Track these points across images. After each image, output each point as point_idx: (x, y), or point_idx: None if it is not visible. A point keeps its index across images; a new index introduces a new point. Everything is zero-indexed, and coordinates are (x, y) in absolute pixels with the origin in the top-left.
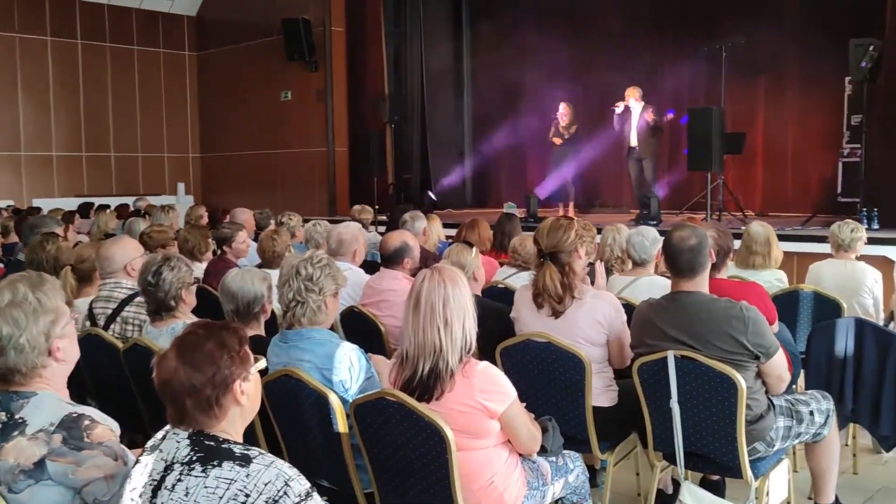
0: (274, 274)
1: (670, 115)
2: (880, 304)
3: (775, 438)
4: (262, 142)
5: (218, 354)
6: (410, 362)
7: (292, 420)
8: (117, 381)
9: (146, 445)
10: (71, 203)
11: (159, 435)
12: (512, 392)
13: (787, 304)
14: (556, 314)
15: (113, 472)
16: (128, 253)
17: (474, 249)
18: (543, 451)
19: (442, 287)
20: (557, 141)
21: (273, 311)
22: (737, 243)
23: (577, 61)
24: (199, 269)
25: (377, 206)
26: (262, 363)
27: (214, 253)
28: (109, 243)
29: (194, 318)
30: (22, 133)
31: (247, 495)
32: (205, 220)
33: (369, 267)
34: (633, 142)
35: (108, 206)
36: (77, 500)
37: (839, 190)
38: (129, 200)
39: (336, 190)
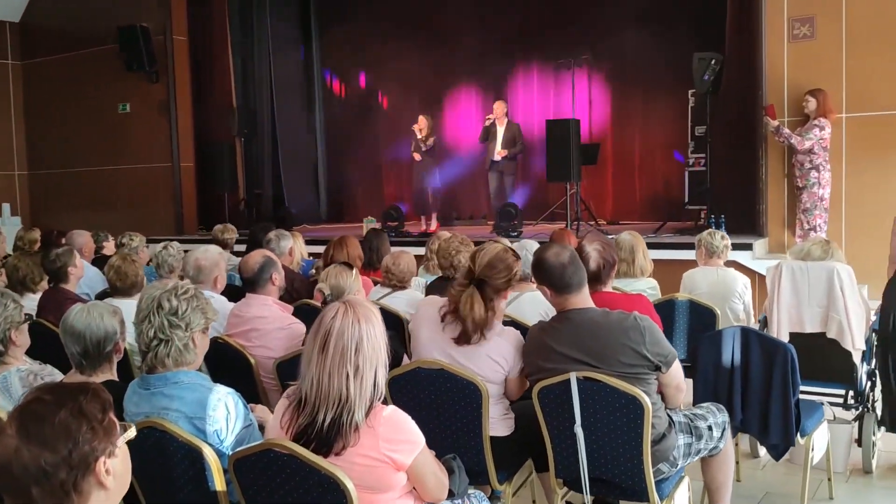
0: (125, 304)
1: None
2: (751, 308)
3: (678, 457)
4: (99, 157)
5: (75, 426)
6: (309, 408)
7: (158, 480)
8: None
9: None
10: None
11: None
12: (420, 439)
13: (664, 313)
14: (461, 342)
15: None
16: None
17: (354, 271)
18: (450, 494)
19: (356, 327)
20: (417, 156)
21: (126, 350)
22: None
23: (433, 74)
24: (33, 301)
25: (228, 224)
26: (132, 432)
27: (49, 283)
28: None
29: (29, 362)
30: None
31: None
32: (38, 246)
33: (229, 291)
34: (497, 156)
35: None
36: None
37: (686, 198)
38: None
39: (183, 207)
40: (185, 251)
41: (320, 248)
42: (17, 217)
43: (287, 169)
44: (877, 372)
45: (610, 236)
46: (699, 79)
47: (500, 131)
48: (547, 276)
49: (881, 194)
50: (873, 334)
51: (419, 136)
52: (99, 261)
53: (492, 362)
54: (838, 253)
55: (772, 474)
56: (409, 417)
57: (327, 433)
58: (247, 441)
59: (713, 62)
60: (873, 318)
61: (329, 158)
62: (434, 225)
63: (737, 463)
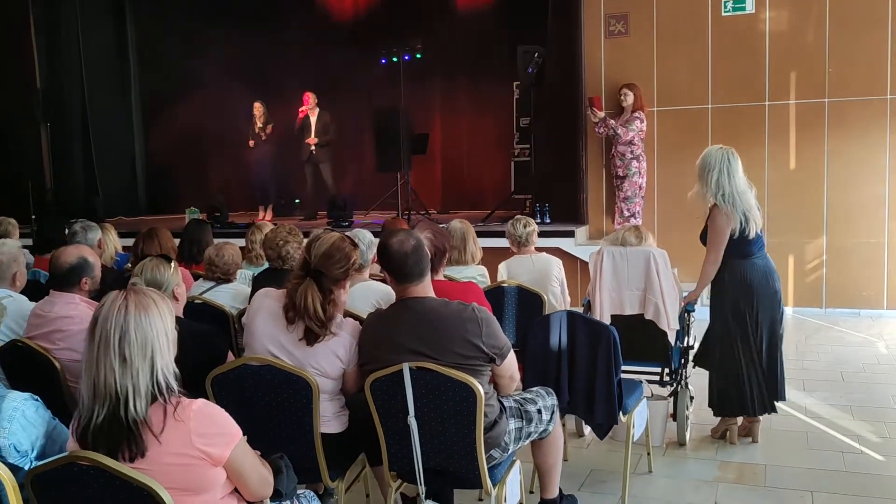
0: None
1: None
2: (566, 290)
3: (509, 442)
4: None
5: None
6: (88, 405)
7: None
8: None
9: None
10: None
11: None
12: (236, 431)
13: (494, 299)
14: (310, 339)
15: None
16: None
17: (173, 263)
18: (277, 495)
19: (122, 313)
20: (251, 143)
21: None
22: None
23: (259, 61)
24: None
25: (34, 216)
26: None
27: None
28: None
29: None
30: None
31: None
32: None
33: (29, 292)
34: (310, 144)
35: None
36: None
37: (512, 188)
38: None
39: None
40: None
41: None
42: None
43: (100, 156)
44: (689, 351)
45: (441, 225)
46: (523, 71)
47: (313, 121)
48: (389, 263)
49: (688, 184)
50: (686, 315)
51: (258, 125)
52: None
53: (332, 356)
54: (650, 238)
55: (596, 452)
56: (223, 410)
57: (108, 432)
58: (50, 454)
59: (536, 55)
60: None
61: (148, 146)
62: (269, 215)
63: (563, 442)
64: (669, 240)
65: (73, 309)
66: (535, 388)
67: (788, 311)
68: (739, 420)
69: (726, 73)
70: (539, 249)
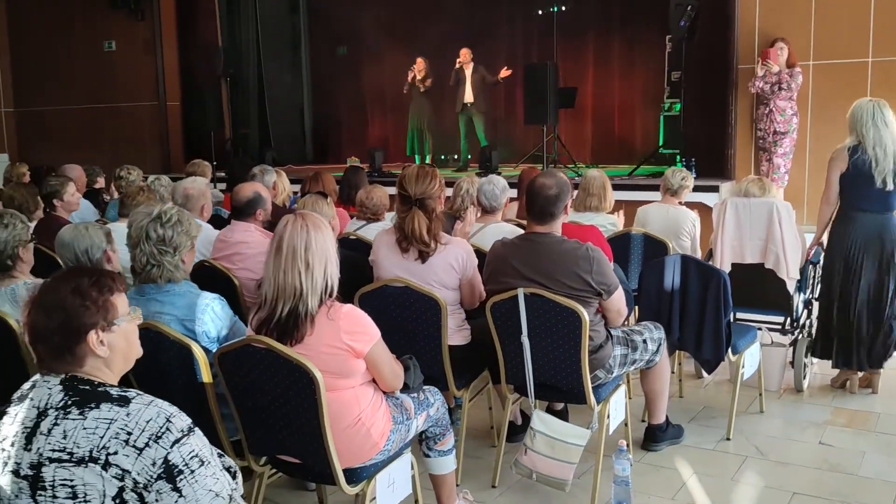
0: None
1: (506, 72)
2: (697, 243)
3: (614, 365)
4: (85, 96)
5: (70, 301)
6: (269, 304)
7: (155, 375)
8: None
9: (13, 397)
10: None
11: (26, 385)
12: (376, 332)
13: (619, 246)
14: (424, 258)
15: None
16: None
17: (329, 199)
18: (406, 387)
19: (304, 231)
20: (417, 91)
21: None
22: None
23: (415, 18)
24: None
25: (215, 163)
26: (139, 315)
27: (44, 211)
28: None
29: (33, 278)
30: None
31: (129, 433)
32: (27, 179)
33: (214, 223)
34: (468, 98)
35: None
36: None
37: (661, 142)
38: None
39: (170, 146)
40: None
41: None
42: (5, 154)
43: (273, 109)
44: (813, 302)
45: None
46: (675, 24)
47: (468, 75)
48: (528, 198)
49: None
50: (809, 266)
51: (418, 78)
52: (90, 195)
53: (448, 267)
54: (773, 189)
55: (711, 392)
56: (366, 315)
57: (286, 322)
58: (232, 339)
59: (689, 8)
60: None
61: (314, 99)
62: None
63: (680, 381)
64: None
65: (250, 236)
66: (643, 322)
67: None
68: (861, 371)
69: (889, 23)
70: (685, 203)
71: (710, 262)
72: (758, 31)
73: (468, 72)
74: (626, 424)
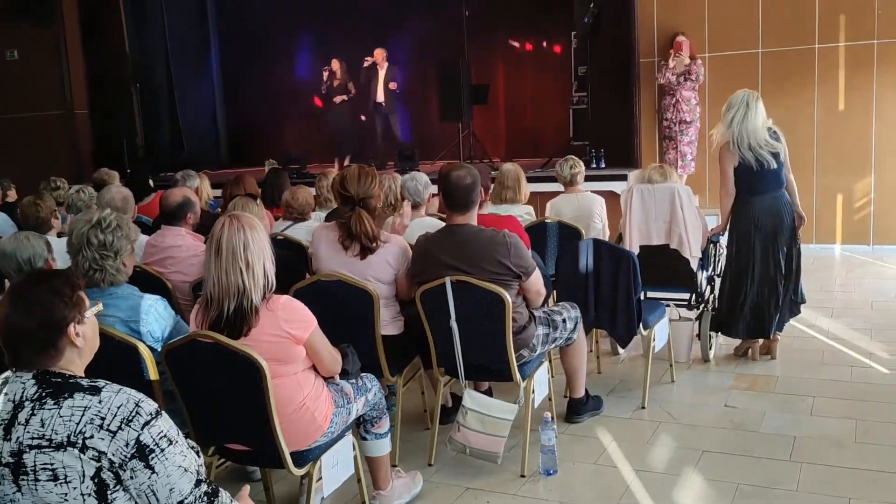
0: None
1: (393, 85)
2: (606, 227)
3: (537, 344)
4: None
5: (49, 300)
6: (216, 304)
7: (102, 375)
8: None
9: None
10: None
11: None
12: (312, 320)
13: (537, 234)
14: (364, 255)
15: None
16: None
17: (258, 200)
18: (345, 373)
19: (241, 232)
20: (337, 99)
21: None
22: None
23: (327, 18)
24: None
25: (129, 170)
26: (99, 307)
27: None
28: None
29: None
30: None
31: (102, 418)
32: None
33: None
34: (380, 97)
35: None
36: None
37: (571, 135)
38: None
39: (81, 155)
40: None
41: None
42: None
43: (185, 114)
44: (715, 278)
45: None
46: (580, 21)
47: (381, 74)
48: (445, 192)
49: None
50: (710, 245)
51: (337, 80)
52: (5, 208)
53: (384, 263)
54: (674, 175)
55: (627, 367)
56: (303, 304)
57: (234, 319)
58: (175, 337)
59: (591, 5)
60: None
61: (227, 103)
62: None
63: (598, 358)
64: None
65: (181, 239)
66: (562, 303)
67: (836, 248)
68: (761, 340)
69: (776, 16)
70: (595, 192)
71: (620, 244)
72: (656, 26)
73: (382, 72)
74: (549, 399)
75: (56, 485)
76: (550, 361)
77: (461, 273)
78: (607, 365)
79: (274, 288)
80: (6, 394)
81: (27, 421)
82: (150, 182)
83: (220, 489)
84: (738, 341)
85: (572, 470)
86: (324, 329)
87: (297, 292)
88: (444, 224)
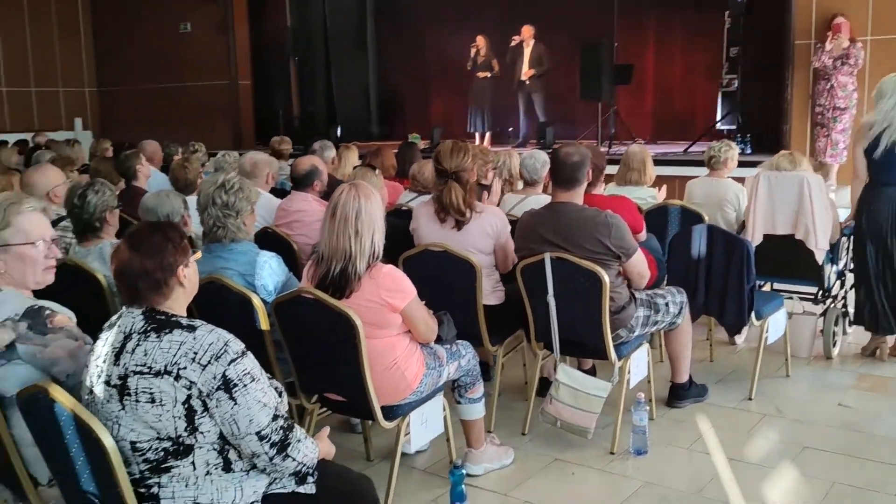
0: (188, 200)
1: (529, 73)
2: (741, 216)
3: (636, 326)
4: (162, 75)
5: (163, 244)
6: (325, 262)
7: (218, 323)
8: (49, 297)
9: (104, 326)
10: None
11: (114, 317)
12: (412, 291)
13: (657, 218)
14: (460, 226)
15: (75, 350)
16: (49, 180)
17: (377, 171)
18: (439, 339)
19: (357, 200)
20: (480, 74)
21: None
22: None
23: None
24: None
25: (284, 137)
26: (199, 254)
27: (126, 182)
28: (31, 171)
29: (117, 241)
30: None
31: (195, 353)
32: (110, 153)
33: (279, 195)
34: (525, 75)
35: (5, 142)
36: (46, 377)
37: (718, 118)
38: (25, 136)
39: (241, 124)
40: None
41: None
42: (89, 131)
43: (339, 88)
44: (846, 273)
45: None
46: (734, 0)
47: (527, 52)
48: (552, 168)
49: None
50: (843, 238)
51: (481, 56)
52: (166, 169)
53: (483, 234)
54: (805, 163)
55: (741, 358)
56: (405, 275)
57: (339, 280)
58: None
59: None
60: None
61: (380, 78)
62: (487, 143)
63: (711, 346)
64: None
65: (308, 205)
66: (667, 287)
67: None
68: (891, 340)
69: None
70: (739, 179)
71: (744, 233)
72: (814, 6)
73: (527, 49)
74: (648, 381)
75: (153, 406)
76: (660, 348)
77: (561, 250)
78: (722, 354)
79: (380, 258)
80: (119, 325)
81: (133, 350)
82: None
83: (296, 425)
84: (866, 340)
85: (663, 452)
86: (426, 296)
87: (405, 259)
88: None
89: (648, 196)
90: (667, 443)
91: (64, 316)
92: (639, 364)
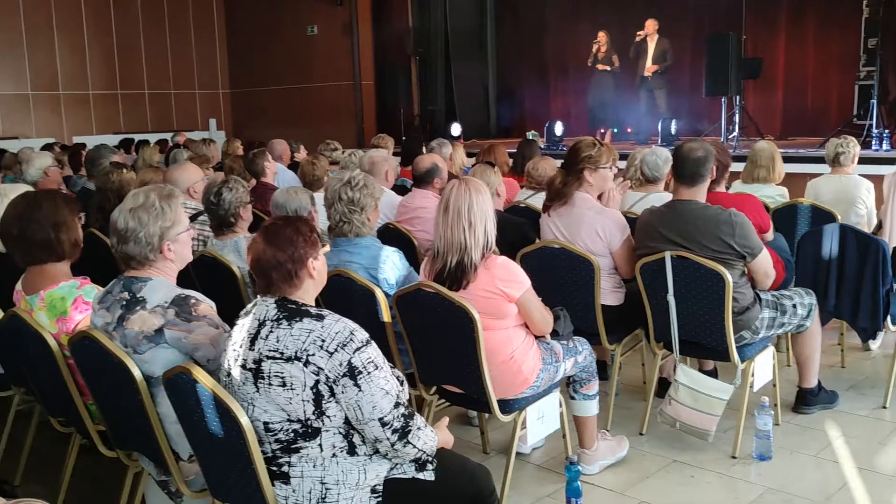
0: (315, 196)
1: (652, 68)
2: (873, 213)
3: (760, 327)
4: (290, 77)
5: (295, 238)
6: (441, 257)
7: (343, 312)
8: (189, 286)
9: (241, 312)
10: (109, 139)
11: (249, 305)
12: (526, 281)
13: (786, 217)
14: (551, 211)
15: (216, 337)
16: (190, 177)
17: (496, 168)
18: (556, 335)
19: (467, 194)
20: (601, 67)
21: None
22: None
23: None
24: None
25: (403, 138)
26: (327, 247)
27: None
28: (173, 169)
29: (250, 235)
30: (60, 73)
31: (323, 341)
32: (241, 152)
33: (399, 191)
34: (648, 71)
35: (147, 142)
36: (188, 360)
37: (854, 112)
38: (165, 136)
39: (364, 122)
40: None
41: None
42: (222, 131)
43: (459, 86)
44: None
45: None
46: None
47: (651, 47)
48: (675, 163)
49: None
50: None
51: (602, 51)
52: (293, 167)
53: (593, 233)
54: None
55: (876, 364)
56: (518, 266)
57: (455, 272)
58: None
59: None
60: None
61: (499, 75)
62: (608, 138)
63: (842, 351)
64: None
65: (428, 202)
66: (795, 288)
67: None
68: None
69: None
70: (875, 177)
71: (880, 234)
72: None
73: (651, 44)
74: (773, 385)
75: (284, 390)
76: (788, 351)
77: (682, 249)
78: (854, 360)
79: (493, 248)
80: (254, 313)
81: (267, 336)
82: (423, 149)
83: (417, 414)
84: None
85: (788, 459)
86: (543, 292)
87: (523, 256)
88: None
89: (777, 194)
90: (792, 449)
91: (207, 305)
92: (763, 367)
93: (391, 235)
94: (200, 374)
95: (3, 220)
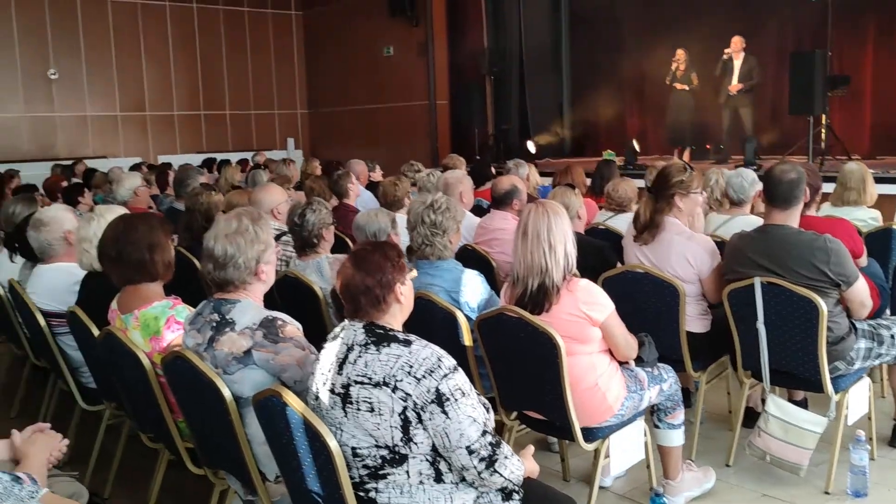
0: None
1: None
2: None
3: (855, 358)
4: (366, 97)
5: (383, 263)
6: (521, 281)
7: (424, 335)
8: (272, 306)
9: (328, 336)
10: (192, 159)
11: (337, 329)
12: (610, 304)
13: (880, 241)
14: (642, 241)
15: (302, 359)
16: (274, 198)
17: (577, 190)
18: (640, 361)
19: (546, 217)
20: (678, 86)
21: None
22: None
23: (680, 7)
24: None
25: (478, 157)
26: (414, 272)
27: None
28: (258, 190)
29: (332, 256)
30: (146, 95)
31: (410, 366)
32: (319, 172)
33: (475, 212)
34: (734, 89)
35: (229, 161)
36: (276, 381)
37: None
38: (245, 155)
39: (438, 142)
40: None
41: None
42: (300, 150)
43: (533, 105)
44: None
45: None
46: None
47: (737, 65)
48: (766, 186)
49: None
50: None
51: (681, 69)
52: (371, 186)
53: (683, 260)
54: None
55: None
56: (601, 289)
57: (537, 295)
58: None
59: None
60: None
61: (573, 94)
62: (686, 157)
63: None
64: None
65: (506, 223)
66: (892, 317)
67: None
68: None
69: None
70: None
71: None
72: None
73: (737, 62)
74: (869, 418)
75: (372, 415)
76: (882, 382)
77: (773, 275)
78: None
79: (574, 269)
80: (342, 338)
81: (355, 361)
82: (493, 169)
83: (503, 442)
84: None
85: (886, 496)
86: (628, 318)
87: (606, 280)
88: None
89: (869, 217)
90: (890, 486)
91: (293, 327)
92: (858, 399)
93: (469, 257)
94: (291, 398)
95: (101, 241)
